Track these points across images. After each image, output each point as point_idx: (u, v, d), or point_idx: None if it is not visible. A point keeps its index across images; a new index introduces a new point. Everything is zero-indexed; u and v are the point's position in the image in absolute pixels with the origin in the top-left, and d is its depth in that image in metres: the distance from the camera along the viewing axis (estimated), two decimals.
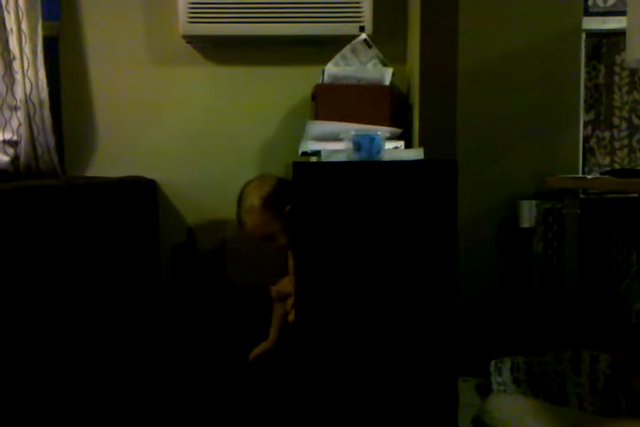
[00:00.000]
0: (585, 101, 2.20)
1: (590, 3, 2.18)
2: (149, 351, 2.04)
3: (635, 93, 2.22)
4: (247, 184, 1.81)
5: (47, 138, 2.02)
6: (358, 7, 2.00)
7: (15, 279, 1.38)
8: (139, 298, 2.00)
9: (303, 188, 1.42)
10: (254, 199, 1.74)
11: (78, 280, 1.62)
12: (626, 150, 2.23)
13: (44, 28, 2.00)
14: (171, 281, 2.20)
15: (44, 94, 2.00)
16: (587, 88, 2.21)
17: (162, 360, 2.10)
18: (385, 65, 1.89)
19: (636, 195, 2.04)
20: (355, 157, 1.47)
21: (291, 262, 1.76)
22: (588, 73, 2.21)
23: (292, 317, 1.70)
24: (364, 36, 1.90)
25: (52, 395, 1.49)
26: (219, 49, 2.15)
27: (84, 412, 1.60)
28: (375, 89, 1.84)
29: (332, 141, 1.67)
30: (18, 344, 1.39)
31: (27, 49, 1.96)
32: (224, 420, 1.84)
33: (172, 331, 2.16)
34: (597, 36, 2.20)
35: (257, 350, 1.94)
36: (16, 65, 1.96)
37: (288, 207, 1.66)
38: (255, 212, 1.73)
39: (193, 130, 2.18)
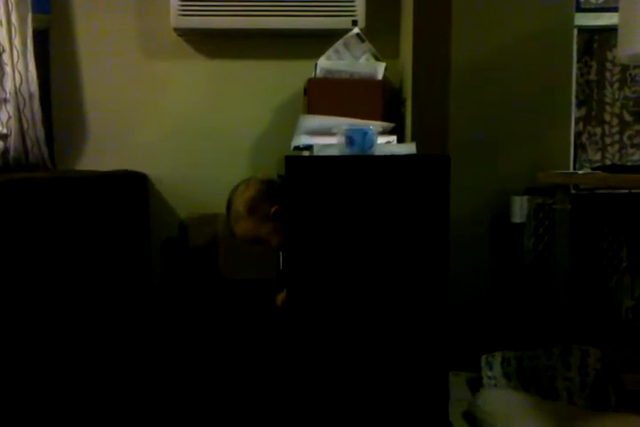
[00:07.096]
0: (576, 97, 2.21)
1: None
2: (141, 347, 2.04)
3: (626, 89, 2.22)
4: (233, 191, 1.76)
5: (37, 131, 2.00)
6: (351, 1, 1.99)
7: (2, 273, 1.37)
8: (129, 293, 1.99)
9: (295, 182, 1.41)
10: (239, 206, 1.71)
11: (67, 275, 1.61)
12: (617, 146, 2.23)
13: (34, 20, 1.99)
14: (162, 276, 2.19)
15: (34, 87, 1.99)
16: (578, 84, 2.21)
17: (153, 356, 2.09)
18: (377, 59, 1.89)
19: (627, 190, 2.05)
20: (347, 151, 1.47)
21: None
22: (579, 69, 2.21)
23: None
24: (356, 30, 1.89)
25: (36, 390, 1.48)
26: (210, 42, 2.14)
27: (74, 409, 1.59)
28: (368, 83, 1.84)
29: (325, 136, 1.66)
30: (3, 338, 1.38)
31: (16, 41, 1.95)
32: (217, 414, 1.83)
33: (163, 326, 2.15)
34: (589, 32, 2.20)
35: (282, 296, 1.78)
36: (6, 57, 1.94)
37: (274, 209, 1.65)
38: (241, 218, 1.71)
39: (184, 123, 2.16)
